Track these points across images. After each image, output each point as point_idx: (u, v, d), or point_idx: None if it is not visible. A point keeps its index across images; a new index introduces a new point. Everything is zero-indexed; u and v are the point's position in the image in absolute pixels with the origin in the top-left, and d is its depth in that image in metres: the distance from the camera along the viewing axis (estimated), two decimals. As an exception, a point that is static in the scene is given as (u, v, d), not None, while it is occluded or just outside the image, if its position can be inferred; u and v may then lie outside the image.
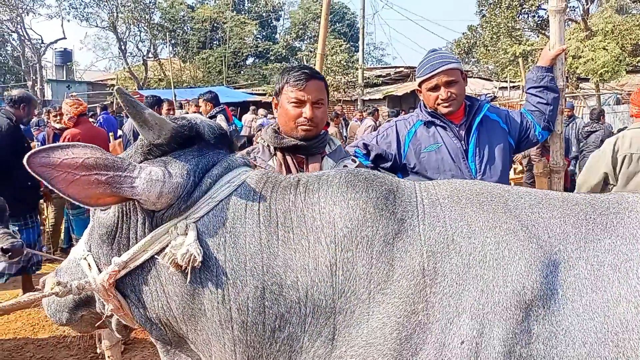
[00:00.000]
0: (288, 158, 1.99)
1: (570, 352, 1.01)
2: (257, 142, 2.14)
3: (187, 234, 1.16)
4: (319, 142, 2.04)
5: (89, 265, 1.29)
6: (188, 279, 1.15)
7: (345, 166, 2.04)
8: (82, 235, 1.40)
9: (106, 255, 1.27)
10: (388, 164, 2.49)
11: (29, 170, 1.07)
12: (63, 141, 5.10)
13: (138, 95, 19.52)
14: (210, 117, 5.84)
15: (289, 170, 1.96)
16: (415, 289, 1.07)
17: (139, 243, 1.21)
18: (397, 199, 1.19)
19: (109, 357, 3.48)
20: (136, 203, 1.21)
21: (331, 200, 1.18)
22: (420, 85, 2.51)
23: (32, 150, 1.09)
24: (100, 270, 1.27)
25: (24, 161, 1.07)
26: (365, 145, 2.53)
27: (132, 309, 1.27)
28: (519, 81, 16.50)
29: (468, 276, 1.07)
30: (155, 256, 1.20)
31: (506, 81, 19.80)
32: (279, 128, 2.07)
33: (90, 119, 11.94)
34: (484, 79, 23.83)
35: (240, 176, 1.25)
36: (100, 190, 1.13)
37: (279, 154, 2.01)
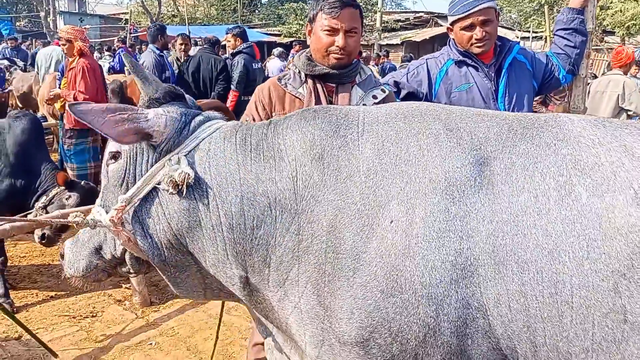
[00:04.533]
0: (318, 86, 2.04)
1: (480, 227, 1.23)
2: (289, 69, 2.21)
3: (179, 163, 1.47)
4: (350, 71, 2.07)
5: (99, 213, 1.59)
6: (183, 193, 1.46)
7: (374, 96, 2.09)
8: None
9: (116, 199, 1.55)
10: None
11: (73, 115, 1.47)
12: (76, 70, 5.10)
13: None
14: (237, 53, 5.90)
15: (318, 98, 2.01)
16: (356, 186, 1.34)
17: (142, 179, 1.52)
18: (340, 121, 1.46)
19: (133, 276, 3.74)
20: (141, 146, 1.55)
21: (290, 130, 1.49)
22: (452, 24, 2.50)
23: (70, 102, 1.54)
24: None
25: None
26: (396, 83, 2.56)
27: (139, 240, 1.52)
28: (542, 31, 16.01)
29: (395, 172, 1.33)
30: (157, 186, 1.49)
31: (529, 31, 19.20)
32: (311, 55, 2.10)
33: (107, 53, 11.86)
34: (505, 27, 23.03)
35: (219, 122, 1.62)
36: (125, 127, 1.46)
37: (309, 81, 2.05)
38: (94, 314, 3.60)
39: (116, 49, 12.03)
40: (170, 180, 1.44)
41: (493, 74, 2.50)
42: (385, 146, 1.39)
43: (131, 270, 1.67)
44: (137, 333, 3.37)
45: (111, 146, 1.60)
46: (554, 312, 1.18)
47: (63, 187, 3.60)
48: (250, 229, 1.44)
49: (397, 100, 2.48)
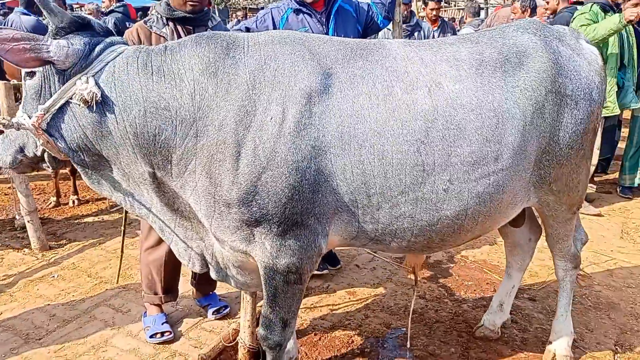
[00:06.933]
0: (179, 27, 2.55)
1: (332, 120, 1.82)
2: (152, 14, 2.67)
3: (88, 82, 1.78)
4: (203, 16, 2.61)
5: (23, 117, 1.86)
6: (93, 109, 1.80)
7: None
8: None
9: (35, 108, 1.85)
10: None
11: None
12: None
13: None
14: (110, 12, 6.03)
15: (179, 37, 2.49)
16: (243, 94, 1.80)
17: (56, 93, 1.82)
18: (231, 45, 1.89)
19: (28, 221, 4.01)
20: (52, 68, 1.79)
21: (188, 55, 1.87)
22: None
23: None
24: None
25: None
26: (247, 29, 3.12)
27: (57, 143, 1.87)
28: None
29: (274, 82, 1.82)
30: (70, 100, 1.80)
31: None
32: (169, 2, 2.58)
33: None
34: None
35: (122, 47, 1.90)
36: (27, 55, 1.73)
37: (170, 23, 2.55)
38: (-6, 261, 3.84)
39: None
40: (81, 98, 1.75)
41: (324, 19, 3.15)
42: (267, 63, 1.83)
43: (50, 167, 2.01)
44: (39, 270, 3.70)
45: None
46: (381, 170, 1.86)
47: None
48: (153, 136, 1.81)
49: None
